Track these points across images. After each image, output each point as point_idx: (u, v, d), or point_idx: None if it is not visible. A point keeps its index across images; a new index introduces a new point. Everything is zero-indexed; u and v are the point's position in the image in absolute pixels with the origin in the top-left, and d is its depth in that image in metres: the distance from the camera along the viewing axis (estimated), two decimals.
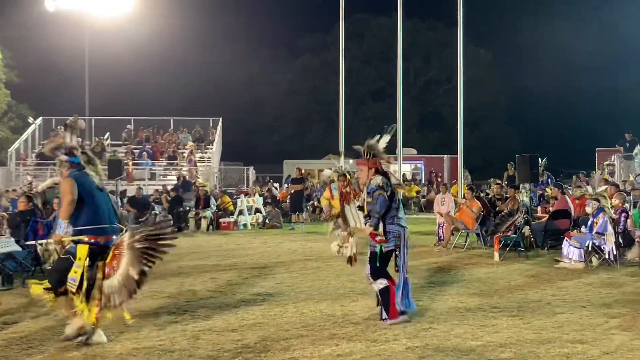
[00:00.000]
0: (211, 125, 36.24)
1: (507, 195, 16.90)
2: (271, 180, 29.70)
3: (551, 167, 25.44)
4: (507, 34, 55.99)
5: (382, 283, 8.08)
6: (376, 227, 8.02)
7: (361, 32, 54.87)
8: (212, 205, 22.98)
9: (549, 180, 22.87)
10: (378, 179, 8.12)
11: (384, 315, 8.08)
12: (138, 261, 7.04)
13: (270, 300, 9.67)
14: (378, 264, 8.12)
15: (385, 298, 8.08)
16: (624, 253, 13.15)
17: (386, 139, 8.37)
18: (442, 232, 16.39)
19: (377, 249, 8.13)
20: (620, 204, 13.53)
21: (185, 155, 32.21)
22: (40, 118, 34.68)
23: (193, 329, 7.95)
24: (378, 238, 8.09)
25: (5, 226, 12.40)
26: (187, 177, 27.95)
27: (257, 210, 24.09)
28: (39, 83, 45.30)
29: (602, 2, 52.56)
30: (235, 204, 24.09)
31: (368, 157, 8.29)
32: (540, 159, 22.90)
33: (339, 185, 12.99)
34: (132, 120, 36.00)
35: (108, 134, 34.60)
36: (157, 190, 25.33)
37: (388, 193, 8.07)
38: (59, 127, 34.09)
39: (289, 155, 39.33)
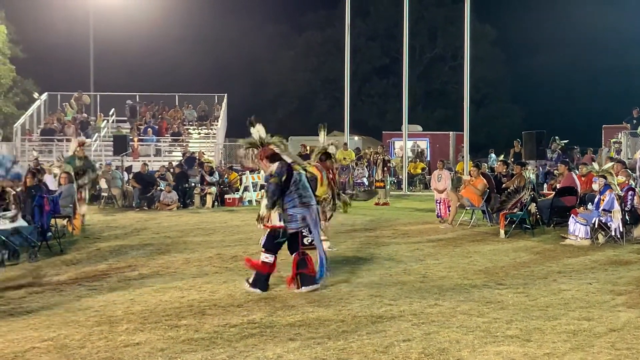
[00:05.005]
0: (216, 101, 36.16)
1: (513, 172, 16.85)
2: None
3: (568, 147, 25.49)
4: (513, 10, 55.55)
5: (267, 257, 8.62)
6: (271, 208, 8.58)
7: (367, 8, 54.44)
8: (215, 175, 23.01)
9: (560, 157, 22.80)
10: (273, 167, 8.63)
11: (250, 279, 8.70)
12: None
13: (275, 276, 9.66)
14: (275, 241, 8.64)
15: (259, 271, 8.64)
16: (630, 230, 13.12)
17: (259, 127, 8.84)
18: (440, 208, 16.40)
19: (280, 229, 8.64)
20: (626, 182, 13.49)
21: None
22: (46, 93, 34.58)
23: (199, 304, 7.97)
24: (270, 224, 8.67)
25: (12, 201, 12.34)
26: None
27: (263, 187, 24.04)
28: (44, 58, 45.08)
29: None
30: (241, 181, 24.09)
31: (259, 148, 8.82)
32: (558, 139, 22.94)
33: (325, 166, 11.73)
34: (137, 96, 35.90)
35: (113, 109, 34.51)
36: (162, 166, 25.31)
37: (283, 178, 8.54)
38: (64, 103, 34.13)
39: (294, 131, 39.18)
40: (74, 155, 16.27)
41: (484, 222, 16.14)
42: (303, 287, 8.56)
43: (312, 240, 8.79)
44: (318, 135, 13.02)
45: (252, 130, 8.87)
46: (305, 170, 9.23)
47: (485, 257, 11.32)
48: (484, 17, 49.32)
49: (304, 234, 8.76)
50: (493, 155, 29.64)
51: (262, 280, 8.65)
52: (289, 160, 8.72)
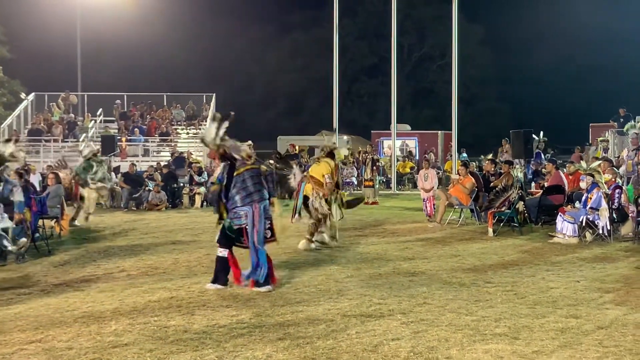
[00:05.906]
0: (204, 101, 36.04)
1: (501, 171, 16.88)
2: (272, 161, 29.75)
3: (550, 144, 25.62)
4: (501, 9, 55.72)
5: (221, 252, 8.91)
6: (216, 211, 8.97)
7: (354, 7, 54.49)
8: (203, 175, 22.91)
9: (543, 156, 22.90)
10: (218, 170, 9.03)
11: (212, 278, 8.93)
12: None
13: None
14: (224, 235, 8.90)
15: (218, 265, 8.90)
16: (617, 228, 13.20)
17: (220, 126, 8.96)
18: (428, 207, 16.46)
19: (226, 224, 8.87)
20: (613, 180, 13.55)
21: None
22: (33, 94, 34.38)
23: (188, 304, 7.95)
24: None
25: None
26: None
27: None
28: (31, 59, 44.92)
29: None
30: None
31: (214, 149, 9.02)
32: (539, 137, 23.02)
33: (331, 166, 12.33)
34: (125, 97, 35.75)
35: (101, 110, 34.40)
36: (151, 166, 25.23)
37: (224, 182, 8.78)
38: (51, 103, 33.96)
39: (283, 131, 39.15)
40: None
41: (472, 221, 16.19)
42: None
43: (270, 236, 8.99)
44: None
45: (204, 132, 9.34)
46: (260, 167, 9.21)
47: (474, 256, 11.35)
48: (472, 16, 49.52)
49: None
50: (465, 154, 29.89)
51: (221, 276, 8.87)
52: (238, 158, 8.88)
